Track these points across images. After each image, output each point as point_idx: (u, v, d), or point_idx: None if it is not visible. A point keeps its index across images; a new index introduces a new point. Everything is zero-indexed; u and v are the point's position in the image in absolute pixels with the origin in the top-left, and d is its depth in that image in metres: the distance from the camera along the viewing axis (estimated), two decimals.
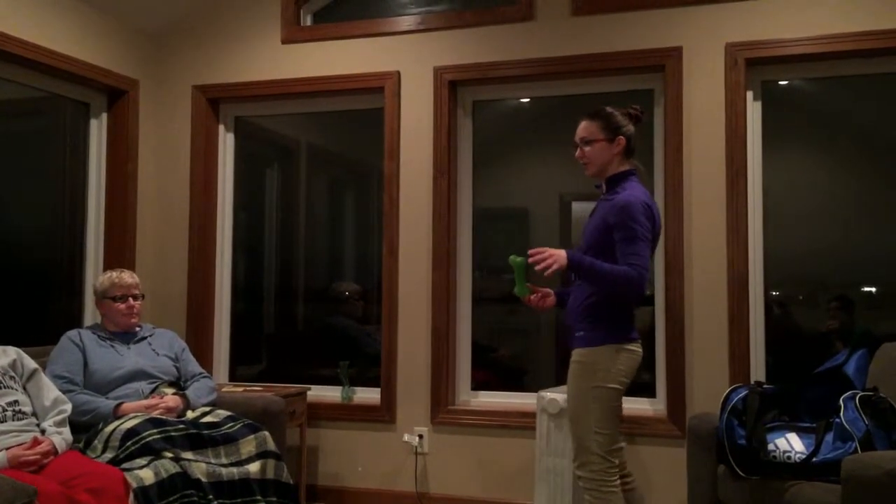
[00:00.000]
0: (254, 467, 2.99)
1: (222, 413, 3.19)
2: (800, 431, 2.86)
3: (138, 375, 3.28)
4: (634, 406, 3.74)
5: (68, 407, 2.88)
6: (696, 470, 3.13)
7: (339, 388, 4.21)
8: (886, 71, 3.61)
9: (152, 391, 3.26)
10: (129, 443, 2.80)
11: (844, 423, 2.77)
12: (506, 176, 4.24)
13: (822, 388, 3.04)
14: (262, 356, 4.62)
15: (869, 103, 3.77)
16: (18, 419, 2.71)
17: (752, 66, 3.68)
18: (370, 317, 4.39)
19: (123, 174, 4.22)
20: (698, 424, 3.15)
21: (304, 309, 4.61)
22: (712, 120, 3.68)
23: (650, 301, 3.80)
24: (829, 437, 2.79)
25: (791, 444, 2.81)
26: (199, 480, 2.78)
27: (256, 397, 3.53)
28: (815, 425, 2.86)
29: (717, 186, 3.66)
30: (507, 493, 3.88)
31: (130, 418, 2.94)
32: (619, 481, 2.75)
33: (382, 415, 4.06)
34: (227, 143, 4.52)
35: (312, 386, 4.21)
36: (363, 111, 4.31)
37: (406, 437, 4.01)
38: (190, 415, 3.18)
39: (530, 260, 2.70)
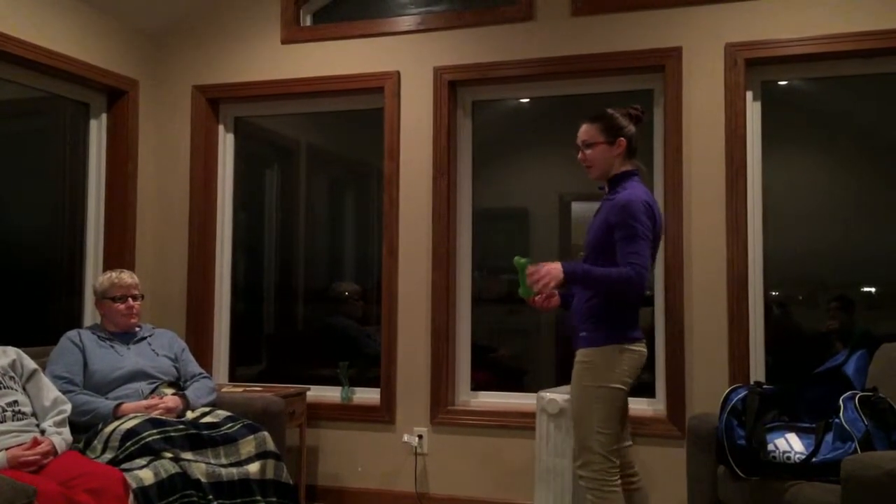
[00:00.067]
0: (253, 468, 2.99)
1: (222, 413, 3.19)
2: (799, 432, 2.86)
3: (138, 376, 3.28)
4: (634, 406, 3.70)
5: (68, 407, 2.88)
6: (696, 470, 3.13)
7: (339, 388, 4.21)
8: (886, 71, 3.61)
9: (152, 391, 3.26)
10: (128, 443, 2.80)
11: (844, 423, 2.77)
12: (506, 176, 4.24)
13: (821, 389, 3.04)
14: (262, 356, 4.62)
15: (869, 103, 3.77)
16: (18, 419, 2.71)
17: (752, 66, 3.68)
18: (370, 317, 4.39)
19: (123, 174, 4.22)
20: (698, 425, 3.15)
21: (304, 309, 4.61)
22: (712, 120, 3.68)
23: (650, 301, 3.80)
24: (829, 437, 2.79)
25: (791, 445, 2.81)
26: (198, 481, 2.78)
27: (256, 397, 3.53)
28: (814, 425, 2.85)
29: (717, 186, 3.66)
30: (507, 493, 3.88)
31: (130, 419, 2.94)
32: (619, 481, 2.75)
33: (382, 415, 4.06)
34: (226, 143, 4.52)
35: (312, 386, 4.21)
36: (363, 111, 4.31)
37: (406, 438, 4.01)
38: (190, 415, 3.18)
39: (530, 282, 2.72)
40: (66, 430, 2.80)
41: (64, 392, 2.98)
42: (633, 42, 3.78)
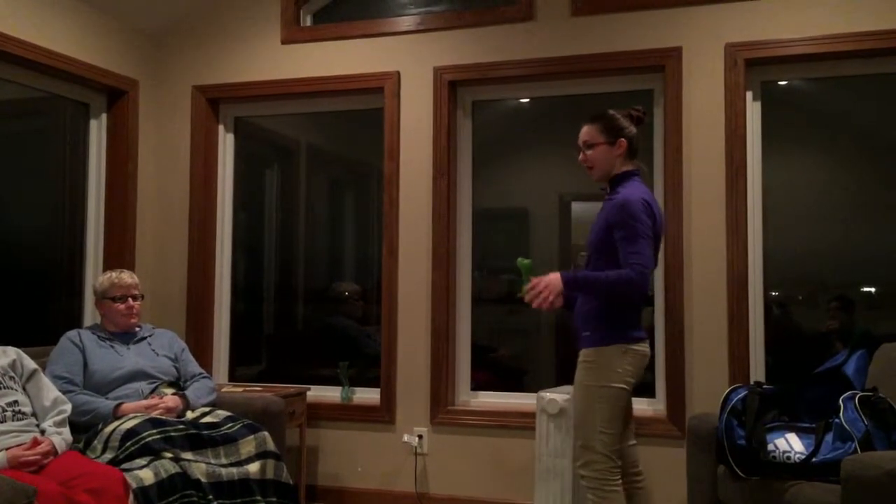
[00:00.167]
0: (253, 467, 2.99)
1: (222, 413, 3.19)
2: (799, 432, 2.86)
3: (138, 376, 3.28)
4: (634, 406, 3.72)
5: (68, 407, 2.88)
6: (696, 470, 3.13)
7: (339, 388, 4.21)
8: (886, 71, 3.61)
9: (152, 391, 3.26)
10: (128, 443, 2.80)
11: (844, 423, 2.77)
12: (506, 176, 4.24)
13: (821, 389, 3.04)
14: (262, 356, 4.62)
15: (869, 103, 3.77)
16: (18, 419, 2.71)
17: (752, 66, 3.68)
18: (370, 317, 4.39)
19: (123, 174, 4.22)
20: (698, 425, 3.15)
21: (304, 309, 4.61)
22: (712, 120, 3.68)
23: (650, 301, 3.80)
24: (829, 437, 2.79)
25: (791, 445, 2.81)
26: (198, 481, 2.78)
27: (256, 397, 3.53)
28: (814, 425, 2.86)
29: (717, 186, 3.66)
30: (507, 493, 3.88)
31: (130, 418, 2.94)
32: (620, 481, 2.76)
33: (382, 415, 4.06)
34: (226, 143, 4.52)
35: (312, 386, 4.21)
36: (363, 111, 4.31)
37: (406, 438, 4.01)
38: (189, 415, 3.19)
39: (527, 300, 2.75)
40: (66, 430, 2.80)
41: (64, 392, 2.98)
42: (633, 42, 3.78)
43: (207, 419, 3.13)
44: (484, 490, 3.91)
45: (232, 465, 2.95)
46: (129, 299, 3.41)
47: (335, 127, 4.58)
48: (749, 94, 3.71)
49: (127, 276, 3.45)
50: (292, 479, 3.17)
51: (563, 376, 3.95)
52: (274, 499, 3.01)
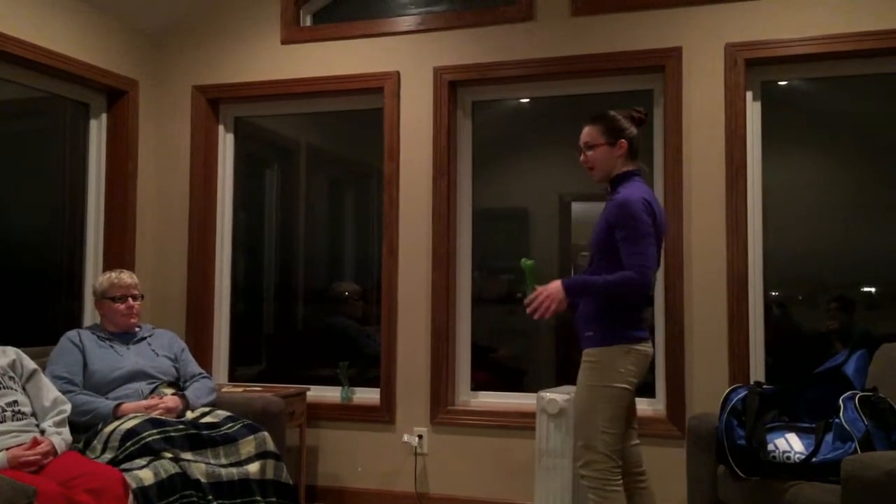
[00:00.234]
0: (253, 468, 2.99)
1: (222, 413, 3.19)
2: (799, 432, 2.86)
3: (138, 376, 3.28)
4: None
5: (68, 407, 2.88)
6: (696, 470, 3.13)
7: (339, 388, 4.21)
8: (886, 71, 3.61)
9: (152, 391, 3.26)
10: (128, 443, 2.80)
11: (844, 423, 2.77)
12: (506, 176, 4.24)
13: (821, 389, 3.04)
14: (262, 356, 4.62)
15: (869, 103, 3.77)
16: (18, 419, 2.71)
17: (752, 66, 3.68)
18: (370, 317, 4.39)
19: (123, 174, 4.22)
20: (698, 425, 3.15)
21: (304, 309, 4.61)
22: (712, 120, 3.68)
23: (650, 301, 3.80)
24: (829, 437, 2.79)
25: (791, 445, 2.81)
26: (198, 481, 2.78)
27: (256, 398, 3.53)
28: (814, 426, 2.85)
29: (717, 187, 3.66)
30: (507, 493, 3.88)
31: (130, 419, 2.94)
32: (621, 481, 2.76)
33: (382, 415, 4.06)
34: (226, 143, 4.52)
35: (312, 386, 4.21)
36: (363, 111, 4.31)
37: (406, 438, 4.01)
38: (189, 415, 3.18)
39: (528, 311, 2.78)
40: (66, 431, 2.80)
41: (64, 392, 2.98)
42: (633, 42, 3.78)
43: (207, 419, 3.13)
44: (484, 490, 3.91)
45: (232, 465, 2.95)
46: (129, 299, 3.41)
47: (335, 127, 4.58)
48: (749, 94, 3.71)
49: (126, 276, 3.45)
50: (292, 479, 3.17)
51: (563, 376, 3.95)
52: (274, 499, 3.01)
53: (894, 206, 3.66)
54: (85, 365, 3.23)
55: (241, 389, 3.90)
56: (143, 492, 2.63)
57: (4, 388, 2.74)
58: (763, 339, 3.68)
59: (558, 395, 3.41)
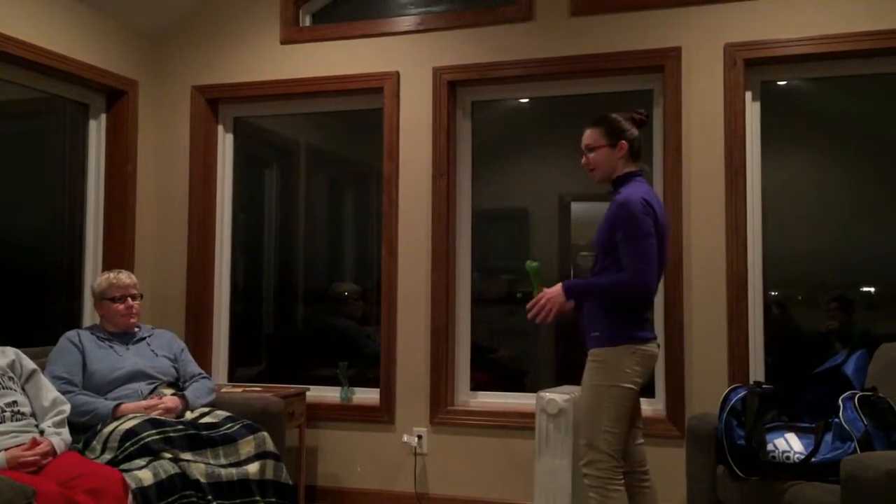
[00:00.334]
0: (253, 468, 2.99)
1: (221, 414, 3.19)
2: (799, 432, 2.86)
3: (137, 376, 3.28)
4: None
5: (67, 407, 2.88)
6: (696, 470, 3.13)
7: (339, 388, 4.21)
8: (885, 71, 3.61)
9: (151, 392, 3.26)
10: (127, 443, 2.80)
11: (843, 423, 2.77)
12: (505, 176, 4.24)
13: (821, 389, 3.04)
14: (262, 357, 4.62)
15: (868, 103, 3.77)
16: (17, 420, 2.71)
17: (751, 66, 3.68)
18: (369, 317, 4.39)
19: (122, 175, 4.22)
20: (697, 425, 3.15)
21: (304, 309, 4.61)
22: (711, 120, 3.68)
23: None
24: (829, 437, 2.79)
25: (790, 445, 2.81)
26: (198, 481, 2.78)
27: (255, 398, 3.53)
28: (814, 425, 2.86)
29: (717, 186, 3.66)
30: (506, 493, 3.88)
31: (129, 419, 2.93)
32: (623, 481, 2.77)
33: (381, 415, 4.06)
34: (226, 143, 4.52)
35: (311, 386, 4.20)
36: (362, 112, 4.31)
37: (405, 438, 4.01)
38: (189, 415, 3.18)
39: (529, 316, 2.82)
40: (65, 431, 2.79)
41: (63, 392, 2.98)
42: (633, 42, 3.78)
43: (207, 419, 3.13)
44: (484, 490, 3.91)
45: (231, 465, 2.95)
46: (129, 299, 3.41)
47: (335, 127, 4.58)
48: (748, 94, 3.71)
49: (125, 276, 3.45)
50: (292, 479, 3.17)
51: (563, 376, 3.95)
52: (273, 499, 3.01)
53: (894, 206, 3.66)
54: (84, 365, 3.23)
55: (240, 390, 3.90)
56: (142, 492, 2.63)
57: (4, 388, 2.74)
58: (762, 339, 3.68)
59: (558, 396, 3.40)
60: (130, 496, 2.59)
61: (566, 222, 4.21)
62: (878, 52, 3.53)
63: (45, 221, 4.07)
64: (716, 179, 3.66)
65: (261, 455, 3.04)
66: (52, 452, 2.65)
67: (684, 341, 3.66)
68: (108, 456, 2.80)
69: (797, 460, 2.76)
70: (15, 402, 2.74)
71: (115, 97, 4.25)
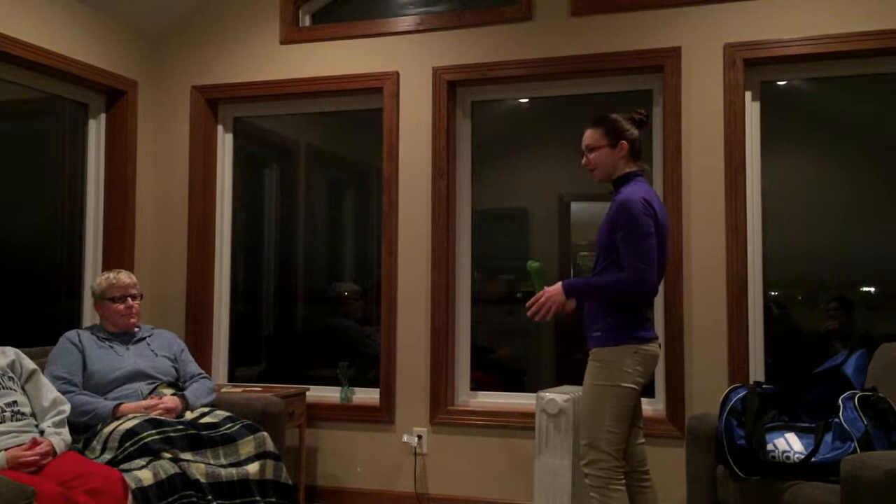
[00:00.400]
0: (253, 468, 2.99)
1: (221, 414, 3.19)
2: (799, 431, 2.86)
3: (137, 376, 3.28)
4: None
5: (67, 408, 2.88)
6: (696, 470, 3.13)
7: (339, 388, 4.21)
8: (885, 71, 3.61)
9: (151, 392, 3.26)
10: (127, 443, 2.80)
11: (843, 423, 2.77)
12: (505, 176, 4.23)
13: (820, 389, 3.04)
14: (262, 357, 4.61)
15: (868, 103, 3.77)
16: (17, 420, 2.71)
17: (751, 66, 3.68)
18: (369, 317, 4.39)
19: (122, 175, 4.22)
20: (697, 425, 3.15)
21: (304, 310, 4.61)
22: (711, 120, 3.68)
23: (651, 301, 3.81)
24: (828, 437, 2.79)
25: (790, 445, 2.81)
26: (197, 481, 2.78)
27: (255, 398, 3.53)
28: (814, 425, 2.86)
29: (716, 187, 3.66)
30: (506, 493, 3.88)
31: (129, 419, 2.93)
32: (624, 481, 2.77)
33: (381, 415, 4.06)
34: (225, 143, 4.52)
35: (311, 386, 4.20)
36: (362, 112, 4.31)
37: (405, 438, 4.01)
38: (189, 415, 3.18)
39: (529, 314, 2.84)
40: (65, 431, 2.79)
41: (63, 392, 2.98)
42: (632, 42, 3.78)
43: (206, 419, 3.13)
44: (483, 490, 3.91)
45: (231, 465, 2.95)
46: (128, 299, 3.40)
47: (334, 127, 4.58)
48: (748, 94, 3.71)
49: (125, 276, 3.44)
50: (292, 479, 3.17)
51: (563, 376, 3.95)
52: (273, 499, 3.01)
53: (894, 206, 3.66)
54: (84, 365, 3.23)
55: (240, 390, 3.90)
56: (142, 492, 2.63)
57: (4, 388, 2.74)
58: (762, 339, 3.68)
59: (558, 395, 3.41)
60: (130, 496, 2.59)
61: (566, 222, 4.21)
62: (877, 52, 3.53)
63: (44, 221, 4.07)
64: (715, 179, 3.66)
65: (261, 455, 3.05)
66: (52, 452, 2.65)
67: (684, 341, 3.66)
68: (107, 456, 2.80)
69: (797, 460, 2.76)
70: (15, 402, 2.74)
71: (115, 97, 4.24)
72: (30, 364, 2.90)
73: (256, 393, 3.74)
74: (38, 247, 4.05)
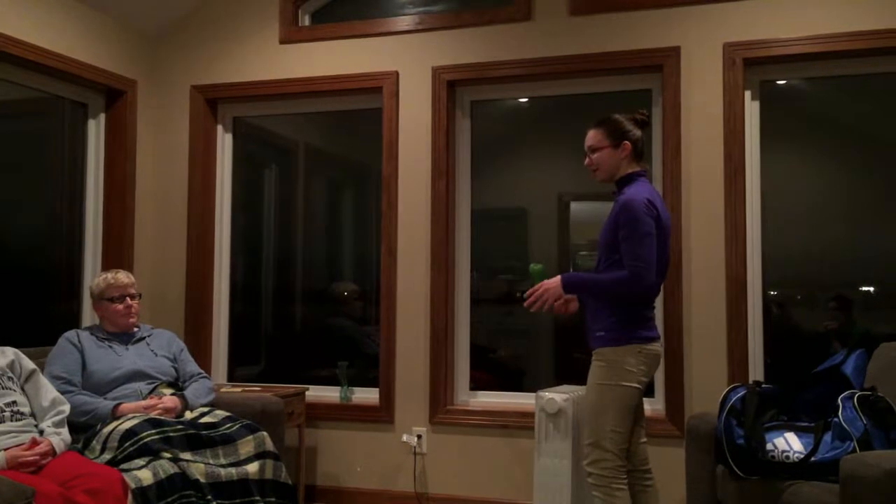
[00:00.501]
0: (252, 468, 2.99)
1: (221, 413, 3.19)
2: (798, 431, 2.86)
3: (136, 376, 3.28)
4: None
5: (66, 407, 2.87)
6: (695, 470, 3.13)
7: (338, 388, 4.21)
8: (884, 71, 3.61)
9: (150, 392, 3.25)
10: (127, 443, 2.80)
11: (843, 422, 2.77)
12: (504, 176, 4.23)
13: (820, 388, 3.04)
14: (261, 357, 4.61)
15: (867, 103, 3.77)
16: (17, 420, 2.71)
17: (750, 65, 3.68)
18: (369, 317, 4.39)
19: (122, 174, 4.22)
20: (697, 424, 3.15)
21: (303, 310, 4.61)
22: (710, 120, 3.68)
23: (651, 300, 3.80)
24: (828, 436, 2.79)
25: (789, 444, 2.81)
26: (197, 481, 2.78)
27: (255, 398, 3.53)
28: (813, 425, 2.86)
29: (716, 186, 3.66)
30: (506, 493, 3.88)
31: (129, 419, 2.93)
32: (627, 480, 2.78)
33: (381, 415, 4.06)
34: (225, 143, 4.52)
35: (311, 386, 4.21)
36: (361, 111, 4.31)
37: (405, 438, 4.01)
38: (188, 415, 3.18)
39: (525, 304, 2.86)
40: (65, 431, 2.79)
41: (62, 392, 2.98)
42: (632, 42, 3.79)
43: (206, 419, 3.13)
44: (483, 490, 3.91)
45: (231, 465, 2.95)
46: (127, 299, 3.40)
47: (334, 127, 4.58)
48: (748, 94, 3.71)
49: (123, 276, 3.44)
50: (291, 479, 3.17)
51: (562, 376, 3.95)
52: (273, 499, 3.01)
53: (894, 206, 3.66)
54: (84, 365, 3.23)
55: (239, 389, 3.90)
56: (142, 492, 2.63)
57: (3, 388, 2.74)
58: (762, 339, 3.69)
59: (557, 395, 3.40)
60: (130, 496, 2.59)
61: (565, 222, 4.21)
62: (877, 52, 3.53)
63: (44, 221, 4.07)
64: (715, 179, 3.66)
65: (260, 455, 3.05)
66: (52, 452, 2.65)
67: (684, 341, 3.66)
68: (107, 456, 2.80)
69: (796, 460, 2.76)
70: (14, 402, 2.74)
71: (114, 97, 4.24)
72: (29, 364, 2.90)
73: (256, 393, 3.74)
74: (38, 247, 4.05)
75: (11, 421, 2.69)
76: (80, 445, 2.89)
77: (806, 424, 2.89)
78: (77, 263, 4.17)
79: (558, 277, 2.82)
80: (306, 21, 4.39)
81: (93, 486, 2.48)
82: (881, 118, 3.72)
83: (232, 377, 4.48)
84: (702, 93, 3.69)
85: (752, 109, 3.73)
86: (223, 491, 2.85)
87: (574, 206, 4.23)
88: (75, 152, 4.17)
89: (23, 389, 2.84)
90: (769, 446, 2.82)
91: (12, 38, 3.58)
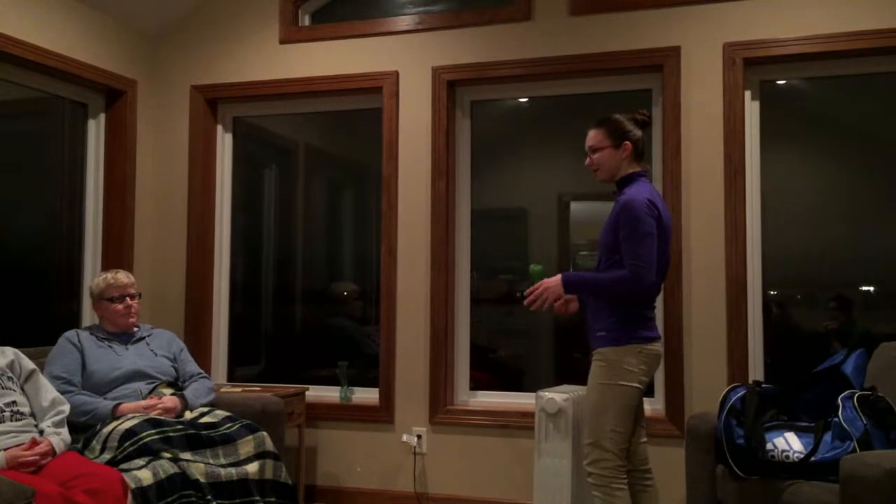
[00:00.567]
0: (252, 468, 2.99)
1: (221, 413, 3.19)
2: (798, 431, 2.86)
3: (136, 376, 3.28)
4: None
5: (66, 407, 2.87)
6: (695, 470, 3.13)
7: (338, 388, 4.21)
8: (884, 70, 3.61)
9: (150, 392, 3.25)
10: (127, 443, 2.80)
11: (843, 422, 2.77)
12: (504, 176, 4.23)
13: (820, 388, 3.04)
14: (261, 357, 4.61)
15: (867, 103, 3.77)
16: (17, 420, 2.71)
17: (751, 65, 3.68)
18: (369, 317, 4.39)
19: (122, 174, 4.22)
20: (697, 424, 3.15)
21: (303, 309, 4.61)
22: (710, 120, 3.68)
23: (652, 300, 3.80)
24: (828, 436, 2.79)
25: (789, 444, 2.81)
26: (197, 481, 2.78)
27: (255, 398, 3.53)
28: (813, 425, 2.86)
29: (716, 186, 3.66)
30: (506, 493, 3.88)
31: (129, 419, 2.93)
32: (627, 480, 2.78)
33: (381, 415, 4.06)
34: (225, 143, 4.52)
35: (311, 386, 4.21)
36: (361, 111, 4.31)
37: (405, 438, 4.01)
38: (188, 415, 3.18)
39: (526, 303, 2.87)
40: (65, 431, 2.79)
41: (62, 392, 2.98)
42: (632, 42, 3.79)
43: (206, 419, 3.13)
44: (483, 490, 3.91)
45: (231, 465, 2.95)
46: (127, 299, 3.40)
47: (334, 127, 4.58)
48: (748, 94, 3.71)
49: (123, 276, 3.44)
50: (291, 479, 3.17)
51: (562, 376, 3.95)
52: (273, 499, 3.01)
53: (893, 206, 3.66)
54: (84, 365, 3.23)
55: (239, 389, 3.90)
56: (141, 492, 2.63)
57: (3, 388, 2.74)
58: (762, 339, 3.69)
59: (557, 395, 3.40)
60: (130, 496, 2.59)
61: (565, 222, 4.21)
62: (877, 52, 3.53)
63: (44, 221, 4.07)
64: (715, 179, 3.66)
65: (260, 455, 3.05)
66: (52, 452, 2.65)
67: (684, 341, 3.66)
68: (107, 456, 2.80)
69: (796, 459, 2.76)
70: (14, 402, 2.74)
71: (114, 97, 4.24)
72: (29, 364, 2.90)
73: (256, 393, 3.74)
74: (38, 247, 4.05)
75: (11, 421, 2.69)
76: (79, 445, 2.89)
77: (806, 424, 2.89)
78: (77, 263, 4.17)
79: (559, 276, 2.83)
80: (306, 21, 4.39)
81: (93, 486, 2.48)
82: (881, 118, 3.72)
83: (232, 377, 4.48)
84: (702, 93, 3.69)
85: (752, 109, 3.73)
86: (223, 491, 2.85)
87: (574, 206, 4.23)
88: (75, 152, 4.18)
89: (23, 389, 2.84)
90: (769, 446, 2.82)
91: (12, 38, 3.58)
